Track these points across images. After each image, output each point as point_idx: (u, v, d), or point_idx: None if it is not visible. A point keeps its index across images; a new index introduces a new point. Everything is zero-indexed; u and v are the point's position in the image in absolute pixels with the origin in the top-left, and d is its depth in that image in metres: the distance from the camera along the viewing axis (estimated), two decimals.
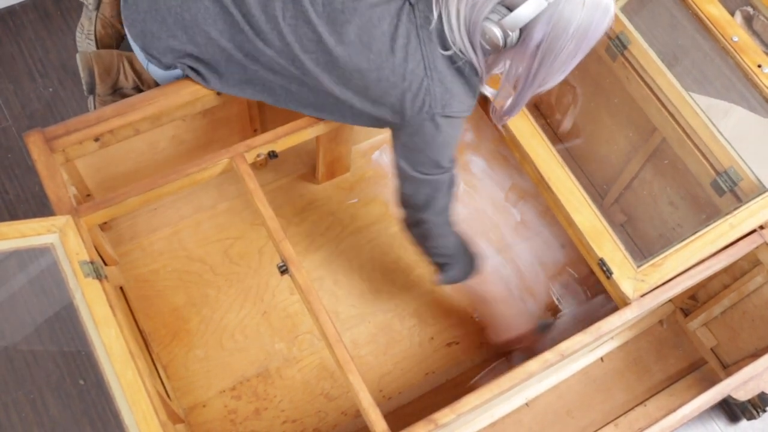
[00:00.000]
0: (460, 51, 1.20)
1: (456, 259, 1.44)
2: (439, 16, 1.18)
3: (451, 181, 1.36)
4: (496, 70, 1.27)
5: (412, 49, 1.20)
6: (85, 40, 1.47)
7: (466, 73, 1.24)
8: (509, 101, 1.28)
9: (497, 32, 1.12)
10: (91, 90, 1.42)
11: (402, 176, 1.35)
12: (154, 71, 1.39)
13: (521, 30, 1.13)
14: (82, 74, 1.40)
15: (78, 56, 1.40)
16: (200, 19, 1.27)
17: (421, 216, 1.38)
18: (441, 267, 1.45)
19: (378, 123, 1.32)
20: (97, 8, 1.43)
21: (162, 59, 1.34)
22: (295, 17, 1.23)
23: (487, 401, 1.24)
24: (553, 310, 1.71)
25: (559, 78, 1.20)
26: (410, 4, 1.20)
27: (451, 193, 1.37)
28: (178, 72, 1.36)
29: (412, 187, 1.35)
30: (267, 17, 1.24)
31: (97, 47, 1.47)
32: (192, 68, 1.34)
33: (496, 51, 1.19)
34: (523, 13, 1.09)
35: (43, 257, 1.25)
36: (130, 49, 1.43)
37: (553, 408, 1.59)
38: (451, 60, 1.21)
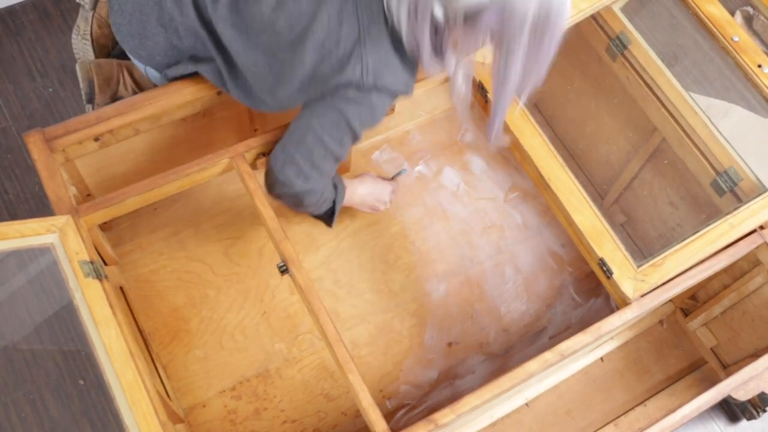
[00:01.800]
0: (399, 23, 1.14)
1: (333, 196, 1.44)
2: None
3: (340, 155, 1.33)
4: (441, 60, 1.19)
5: (347, 15, 1.15)
6: (81, 41, 1.46)
7: (404, 47, 1.18)
8: (491, 112, 1.23)
9: (438, 11, 1.07)
10: (90, 100, 1.42)
11: (297, 131, 1.28)
12: (152, 75, 1.39)
13: (468, 14, 1.07)
14: (81, 85, 1.39)
15: (77, 66, 1.40)
16: (176, 12, 1.27)
17: (296, 189, 1.33)
18: (327, 212, 1.47)
19: (293, 100, 1.26)
20: (94, 8, 1.43)
21: (151, 60, 1.34)
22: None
23: (487, 401, 1.24)
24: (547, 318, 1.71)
25: (536, 76, 1.14)
26: None
27: (336, 159, 1.34)
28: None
29: (302, 147, 1.28)
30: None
31: (94, 48, 1.46)
32: (177, 64, 1.34)
33: (437, 32, 1.13)
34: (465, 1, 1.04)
35: (43, 257, 1.25)
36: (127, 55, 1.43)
37: (553, 408, 1.59)
38: (390, 31, 1.16)
